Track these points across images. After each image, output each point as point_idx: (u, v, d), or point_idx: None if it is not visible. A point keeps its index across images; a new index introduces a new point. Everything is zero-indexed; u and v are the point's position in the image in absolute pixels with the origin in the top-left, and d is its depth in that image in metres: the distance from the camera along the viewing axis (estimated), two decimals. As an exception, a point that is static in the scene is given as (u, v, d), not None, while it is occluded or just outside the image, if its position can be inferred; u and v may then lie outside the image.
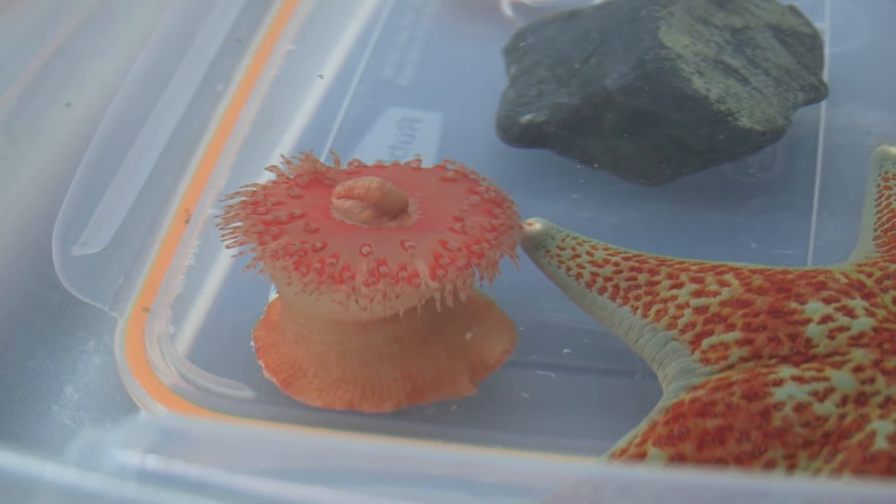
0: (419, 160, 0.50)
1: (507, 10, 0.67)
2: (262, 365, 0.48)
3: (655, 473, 0.37)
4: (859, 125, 0.58)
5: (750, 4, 0.58)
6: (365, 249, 0.43)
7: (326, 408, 0.46)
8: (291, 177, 0.47)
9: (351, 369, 0.46)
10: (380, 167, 0.49)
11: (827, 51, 0.59)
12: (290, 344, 0.47)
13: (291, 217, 0.44)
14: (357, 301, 0.42)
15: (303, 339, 0.47)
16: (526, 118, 0.56)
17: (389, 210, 0.45)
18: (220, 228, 0.45)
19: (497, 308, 0.50)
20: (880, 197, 0.49)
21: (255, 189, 0.46)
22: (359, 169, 0.49)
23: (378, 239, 0.44)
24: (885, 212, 0.48)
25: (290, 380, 0.47)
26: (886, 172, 0.50)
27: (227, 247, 0.45)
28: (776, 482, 0.36)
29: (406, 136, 0.60)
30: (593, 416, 0.47)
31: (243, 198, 0.46)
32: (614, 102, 0.54)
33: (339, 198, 0.45)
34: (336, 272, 0.42)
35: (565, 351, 0.49)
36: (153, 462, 0.33)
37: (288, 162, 0.48)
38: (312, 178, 0.47)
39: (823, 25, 0.62)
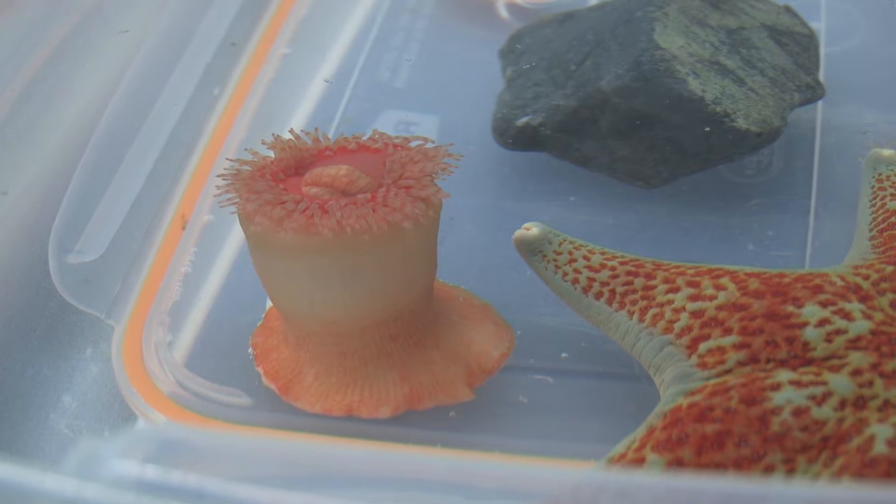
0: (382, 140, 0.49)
1: (503, 13, 0.67)
2: (261, 371, 0.48)
3: (654, 478, 0.37)
4: (856, 125, 0.58)
5: (745, 5, 0.58)
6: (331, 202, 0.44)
7: (325, 413, 0.46)
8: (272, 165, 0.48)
9: (351, 369, 0.46)
10: (346, 151, 0.49)
11: (823, 51, 0.59)
12: (291, 347, 0.47)
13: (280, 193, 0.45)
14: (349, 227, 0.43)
15: (302, 342, 0.47)
16: (522, 121, 0.56)
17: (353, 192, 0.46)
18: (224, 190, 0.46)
19: (494, 312, 0.50)
20: (874, 198, 0.49)
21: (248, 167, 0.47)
22: (328, 153, 0.48)
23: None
24: (879, 212, 0.48)
25: (288, 386, 0.47)
26: (880, 174, 0.50)
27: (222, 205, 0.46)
28: (774, 486, 0.36)
29: (402, 140, 0.60)
30: (591, 419, 0.47)
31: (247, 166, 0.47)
32: (610, 104, 0.53)
33: (307, 185, 0.46)
34: (319, 208, 0.44)
35: (563, 355, 0.49)
36: (151, 471, 0.33)
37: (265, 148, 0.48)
38: (290, 164, 0.47)
39: (819, 25, 0.62)
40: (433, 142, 0.48)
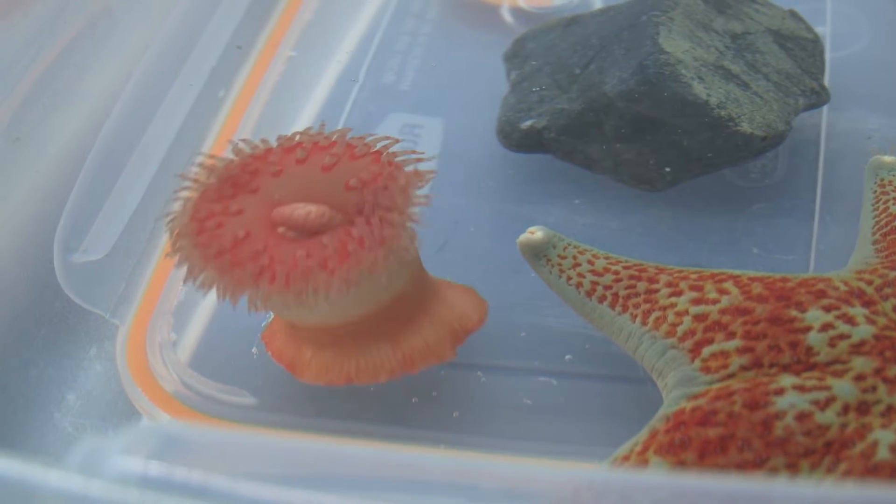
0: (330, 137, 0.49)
1: (508, 17, 0.67)
2: (270, 354, 0.49)
3: (657, 479, 0.37)
4: (861, 130, 0.58)
5: (750, 9, 0.58)
6: (301, 253, 0.44)
7: (329, 385, 0.47)
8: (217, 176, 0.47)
9: (345, 344, 0.47)
10: (298, 161, 0.48)
11: (828, 55, 0.59)
12: (289, 331, 0.48)
13: (236, 242, 0.45)
14: (326, 292, 0.44)
15: (298, 329, 0.48)
16: (527, 124, 0.56)
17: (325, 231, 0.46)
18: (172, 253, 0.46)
19: (470, 289, 0.51)
20: (877, 202, 0.49)
21: (191, 203, 0.46)
22: (279, 168, 0.48)
23: (314, 246, 0.45)
24: (882, 216, 0.48)
25: (293, 364, 0.48)
26: (882, 179, 0.50)
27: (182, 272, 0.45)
28: (778, 488, 0.36)
29: (408, 142, 0.60)
30: (595, 422, 0.47)
31: (184, 217, 0.46)
32: (615, 108, 0.54)
33: (278, 224, 0.46)
34: (297, 274, 0.44)
35: (567, 357, 0.49)
36: (155, 468, 0.33)
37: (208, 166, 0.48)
38: (233, 181, 0.47)
39: (824, 30, 0.62)
40: (397, 140, 0.48)
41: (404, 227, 0.46)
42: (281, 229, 0.46)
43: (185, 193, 0.47)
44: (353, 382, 0.47)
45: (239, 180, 0.47)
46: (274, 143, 0.49)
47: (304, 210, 0.46)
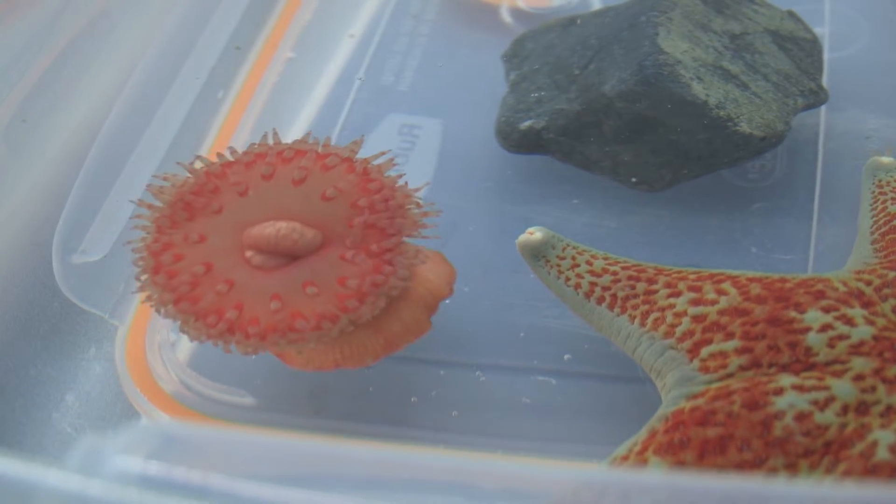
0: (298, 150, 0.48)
1: (506, 17, 0.67)
2: None
3: (656, 479, 0.37)
4: (859, 130, 0.58)
5: (748, 10, 0.58)
6: (274, 305, 0.43)
7: (319, 370, 0.47)
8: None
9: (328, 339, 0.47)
10: (264, 177, 0.47)
11: (826, 56, 0.59)
12: None
13: (194, 282, 0.44)
14: (292, 346, 0.43)
15: None
16: (525, 124, 0.56)
17: (300, 255, 0.45)
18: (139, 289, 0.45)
19: (438, 256, 0.50)
20: (875, 202, 0.49)
21: (149, 235, 0.45)
22: (245, 188, 0.47)
23: (286, 285, 0.44)
24: (881, 215, 0.49)
25: (281, 355, 0.48)
26: (880, 180, 0.50)
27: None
28: (776, 487, 0.36)
29: (407, 143, 0.60)
30: (594, 421, 0.47)
31: (142, 251, 0.45)
32: (614, 108, 0.54)
33: (248, 248, 0.45)
34: (261, 333, 0.43)
35: (566, 357, 0.49)
36: (154, 468, 0.33)
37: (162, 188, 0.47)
38: (189, 204, 0.46)
39: (823, 30, 0.62)
40: (359, 140, 0.47)
41: (403, 257, 0.45)
42: (249, 253, 0.44)
43: (142, 222, 0.46)
44: (340, 367, 0.47)
45: (196, 202, 0.45)
46: (230, 157, 0.47)
47: (273, 228, 0.44)
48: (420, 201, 0.47)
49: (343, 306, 0.43)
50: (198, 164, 0.47)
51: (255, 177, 0.46)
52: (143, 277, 0.45)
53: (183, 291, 0.44)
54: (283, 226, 0.44)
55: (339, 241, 0.45)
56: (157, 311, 0.44)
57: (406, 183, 0.47)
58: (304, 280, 0.44)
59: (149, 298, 0.45)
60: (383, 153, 0.47)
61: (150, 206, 0.46)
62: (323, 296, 0.44)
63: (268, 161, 0.46)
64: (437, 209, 0.47)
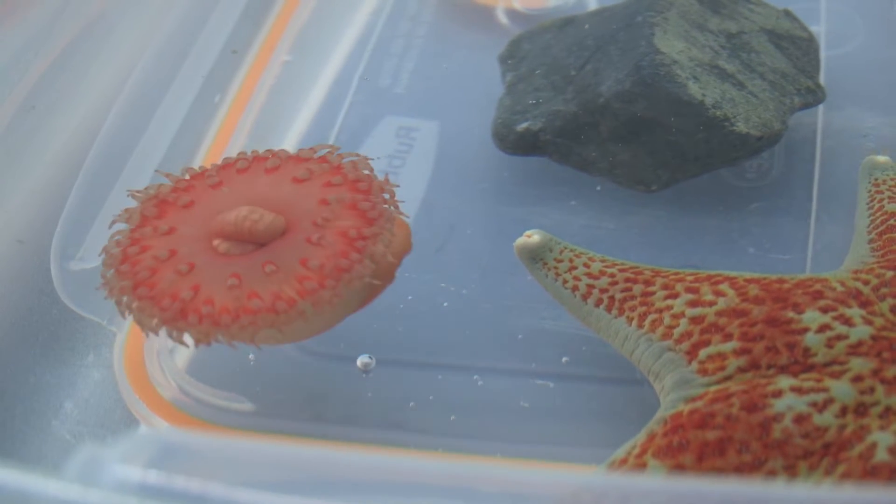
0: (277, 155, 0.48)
1: (503, 18, 0.67)
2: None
3: (655, 483, 0.37)
4: (857, 129, 0.58)
5: (744, 9, 0.58)
6: (231, 282, 0.43)
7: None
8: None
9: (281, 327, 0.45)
10: (239, 171, 0.47)
11: (823, 54, 0.59)
12: None
13: (155, 267, 0.43)
14: (240, 334, 0.42)
15: None
16: (522, 126, 0.56)
17: (264, 240, 0.44)
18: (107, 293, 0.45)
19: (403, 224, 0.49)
20: (872, 201, 0.49)
21: (122, 238, 0.45)
22: (217, 180, 0.47)
23: (247, 268, 0.43)
24: (878, 214, 0.48)
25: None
26: (876, 179, 0.50)
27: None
28: (776, 490, 0.36)
29: (404, 146, 0.60)
30: (592, 424, 0.47)
31: (111, 247, 0.45)
32: (610, 109, 0.54)
33: (215, 238, 0.44)
34: (214, 314, 0.42)
35: (564, 359, 0.49)
36: (154, 476, 0.33)
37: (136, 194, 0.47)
38: (162, 200, 0.46)
39: (819, 29, 0.62)
40: (337, 149, 0.47)
41: (380, 236, 0.44)
42: (216, 242, 0.44)
43: (117, 225, 0.46)
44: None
45: (168, 198, 0.46)
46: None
47: (234, 213, 0.44)
48: (393, 189, 0.46)
49: (302, 289, 0.42)
50: (177, 175, 0.48)
51: (231, 172, 0.46)
52: (109, 273, 0.44)
53: (142, 277, 0.43)
54: (243, 209, 0.44)
55: (307, 227, 0.44)
56: (119, 305, 0.43)
57: (386, 176, 0.47)
58: (265, 261, 0.43)
59: (108, 290, 0.44)
60: (358, 154, 0.47)
61: (126, 210, 0.46)
62: (280, 274, 0.43)
63: (244, 158, 0.47)
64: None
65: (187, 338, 0.43)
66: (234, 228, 0.44)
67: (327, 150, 0.47)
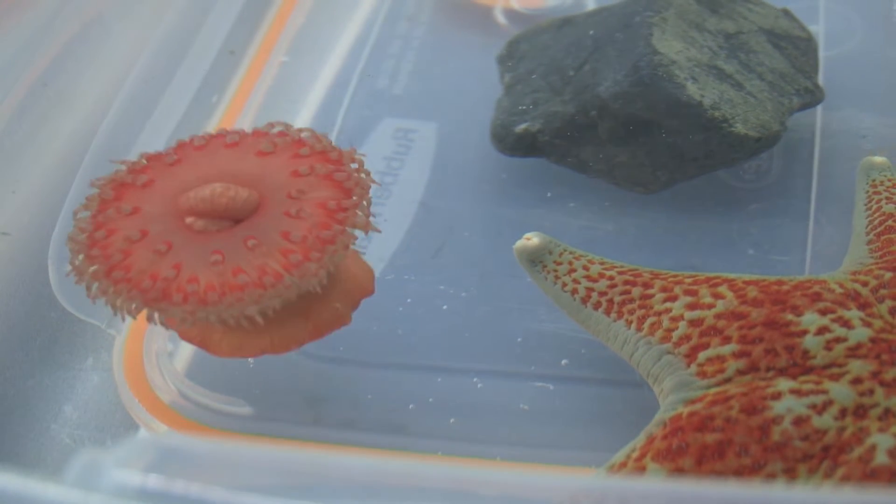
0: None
1: (501, 19, 0.67)
2: (178, 335, 0.47)
3: (655, 486, 0.37)
4: (855, 129, 0.58)
5: (743, 9, 0.58)
6: (214, 258, 0.42)
7: (241, 357, 0.46)
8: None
9: (256, 325, 0.44)
10: (196, 148, 0.46)
11: (822, 54, 0.59)
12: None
13: (128, 249, 0.42)
14: (232, 312, 0.42)
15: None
16: (521, 127, 0.56)
17: (240, 216, 0.44)
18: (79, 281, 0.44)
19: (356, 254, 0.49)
20: (870, 202, 0.49)
21: (84, 224, 0.44)
22: (176, 158, 0.46)
23: (228, 244, 0.43)
24: (875, 215, 0.49)
25: (203, 343, 0.46)
26: (874, 180, 0.50)
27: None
28: (775, 493, 0.36)
29: (402, 147, 0.60)
30: (592, 426, 0.47)
31: (76, 233, 0.44)
32: (609, 110, 0.54)
33: (187, 215, 0.44)
34: (200, 293, 0.41)
35: (563, 362, 0.49)
36: (153, 481, 0.33)
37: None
38: (118, 184, 0.45)
39: (818, 29, 0.62)
40: (310, 131, 0.46)
41: (355, 214, 0.43)
42: (190, 219, 0.43)
43: (79, 215, 0.45)
44: (266, 353, 0.45)
45: (125, 179, 0.45)
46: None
47: (208, 188, 0.43)
48: (362, 159, 0.45)
49: (287, 262, 0.42)
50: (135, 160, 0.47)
51: (188, 150, 0.46)
52: (79, 259, 0.43)
53: (116, 260, 0.42)
54: (217, 185, 0.43)
55: (282, 201, 0.44)
56: (88, 291, 0.42)
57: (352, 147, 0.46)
58: (246, 236, 0.43)
59: (78, 276, 0.43)
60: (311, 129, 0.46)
61: (87, 198, 0.45)
62: (263, 248, 0.42)
63: (200, 136, 0.46)
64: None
65: (157, 319, 0.43)
66: (208, 205, 0.43)
67: (282, 126, 0.47)
